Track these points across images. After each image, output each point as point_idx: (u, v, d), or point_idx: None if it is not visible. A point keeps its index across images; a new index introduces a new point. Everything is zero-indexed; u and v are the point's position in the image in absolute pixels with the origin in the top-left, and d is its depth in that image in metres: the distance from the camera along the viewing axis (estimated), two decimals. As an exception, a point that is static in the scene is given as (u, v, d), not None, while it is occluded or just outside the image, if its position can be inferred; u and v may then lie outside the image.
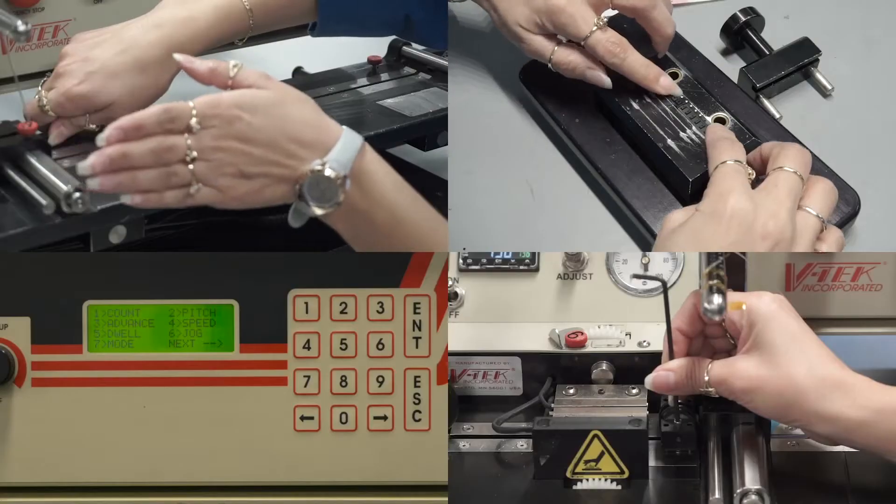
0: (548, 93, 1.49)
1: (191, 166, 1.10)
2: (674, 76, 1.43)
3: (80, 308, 1.18)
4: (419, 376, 1.18)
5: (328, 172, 1.10)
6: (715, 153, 1.23)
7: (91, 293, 1.18)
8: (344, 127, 1.15)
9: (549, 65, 1.38)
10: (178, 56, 1.15)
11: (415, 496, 1.19)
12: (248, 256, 1.18)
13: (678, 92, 1.38)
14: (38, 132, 1.32)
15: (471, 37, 1.64)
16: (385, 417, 1.19)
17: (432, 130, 1.53)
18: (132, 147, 1.09)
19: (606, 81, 1.36)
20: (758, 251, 1.13)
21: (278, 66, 1.70)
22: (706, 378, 1.16)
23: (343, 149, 1.12)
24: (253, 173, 1.11)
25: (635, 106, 1.40)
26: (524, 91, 1.52)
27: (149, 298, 1.18)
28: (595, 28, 1.33)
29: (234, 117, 1.10)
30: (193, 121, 1.09)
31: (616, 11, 1.37)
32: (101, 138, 1.09)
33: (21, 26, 1.27)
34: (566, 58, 1.36)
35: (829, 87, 1.51)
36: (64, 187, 1.20)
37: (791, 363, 1.14)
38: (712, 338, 1.21)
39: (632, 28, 1.39)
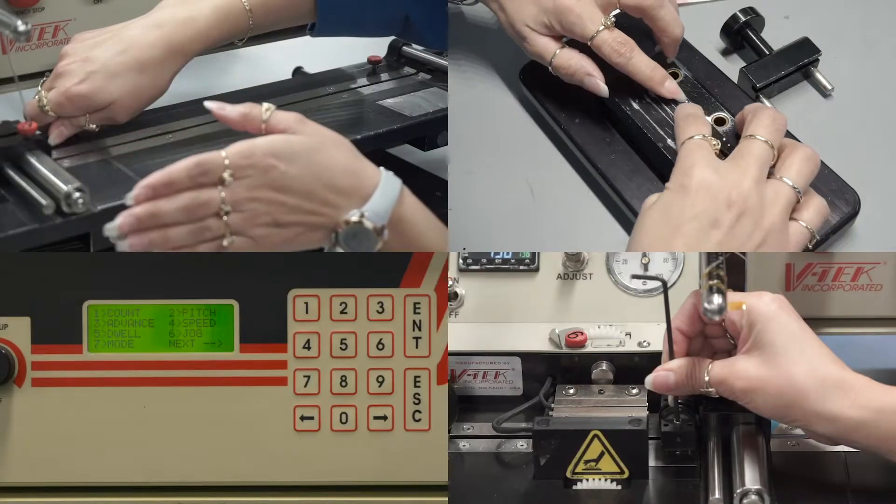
0: (548, 93, 1.49)
1: (224, 218, 1.08)
2: (674, 76, 1.42)
3: (80, 308, 1.18)
4: (419, 376, 1.18)
5: (366, 224, 1.09)
6: (680, 131, 1.22)
7: (91, 293, 1.18)
8: (382, 170, 1.12)
9: (550, 68, 1.38)
10: (209, 104, 1.13)
11: (415, 496, 1.19)
12: (248, 256, 1.18)
13: (682, 97, 1.38)
14: (38, 132, 1.32)
15: (471, 37, 1.63)
16: (385, 417, 1.19)
17: (432, 130, 1.53)
18: (163, 205, 1.07)
19: (603, 90, 1.36)
20: (725, 221, 1.12)
21: (278, 65, 1.70)
22: (706, 378, 1.16)
23: (381, 197, 1.10)
24: (288, 222, 1.09)
25: (635, 106, 1.40)
26: (524, 91, 1.52)
27: (149, 298, 1.18)
28: (602, 28, 1.33)
29: (269, 166, 1.08)
30: (227, 173, 1.07)
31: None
32: (129, 197, 1.07)
33: (21, 26, 1.27)
34: (567, 61, 1.35)
35: (829, 87, 1.51)
36: (64, 187, 1.20)
37: (791, 363, 1.14)
38: (712, 338, 1.21)
39: (636, 26, 1.38)
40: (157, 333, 1.18)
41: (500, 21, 1.40)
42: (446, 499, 1.18)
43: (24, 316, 1.18)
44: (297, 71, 1.72)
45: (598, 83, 1.35)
